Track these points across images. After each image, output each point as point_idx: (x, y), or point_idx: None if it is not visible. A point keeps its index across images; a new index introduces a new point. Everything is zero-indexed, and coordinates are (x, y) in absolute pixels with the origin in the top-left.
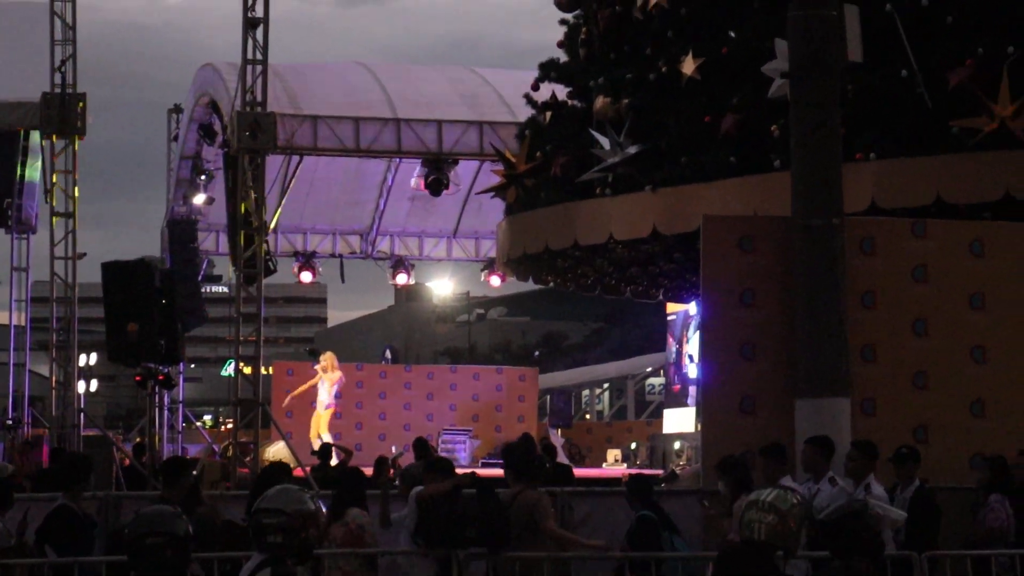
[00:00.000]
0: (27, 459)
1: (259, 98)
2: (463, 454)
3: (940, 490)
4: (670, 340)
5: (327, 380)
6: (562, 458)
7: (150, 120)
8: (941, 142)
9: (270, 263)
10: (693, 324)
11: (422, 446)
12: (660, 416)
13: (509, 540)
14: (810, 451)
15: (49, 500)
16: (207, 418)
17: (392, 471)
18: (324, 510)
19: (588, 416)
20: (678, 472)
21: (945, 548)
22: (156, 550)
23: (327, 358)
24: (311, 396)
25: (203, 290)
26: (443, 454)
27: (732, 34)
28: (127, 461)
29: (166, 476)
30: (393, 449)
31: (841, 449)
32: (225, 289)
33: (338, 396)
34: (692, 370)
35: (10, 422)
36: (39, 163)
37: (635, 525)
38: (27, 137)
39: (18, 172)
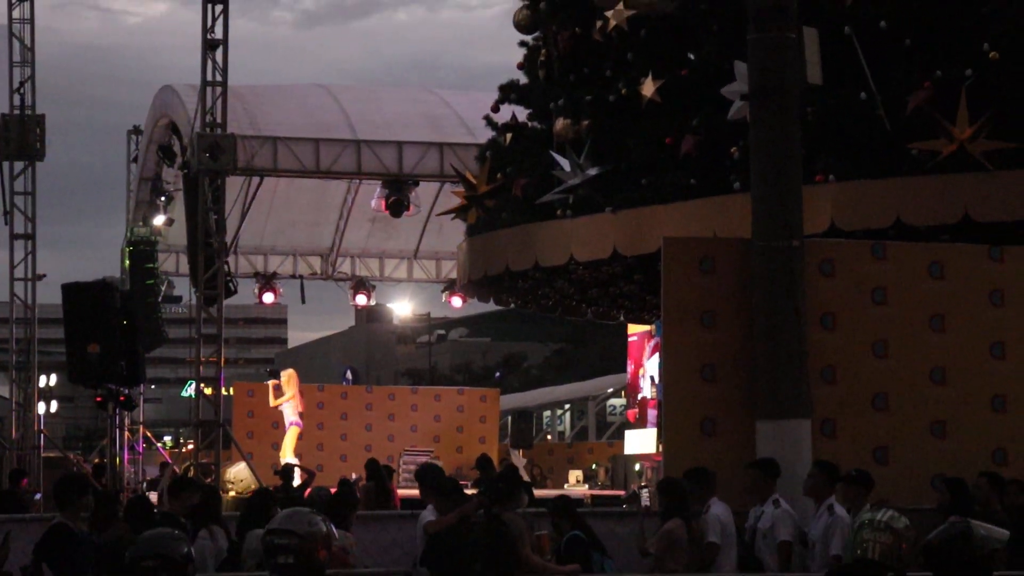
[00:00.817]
0: None
1: (219, 119)
2: None
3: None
4: (631, 361)
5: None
6: (524, 479)
7: (110, 142)
8: (900, 164)
9: (230, 284)
10: (648, 346)
11: (374, 468)
12: (621, 437)
13: (513, 571)
14: (753, 474)
15: (21, 521)
16: (167, 439)
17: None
18: (335, 532)
19: (549, 437)
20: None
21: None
22: (152, 573)
23: (286, 375)
24: (273, 417)
25: (163, 311)
26: (404, 475)
27: (691, 56)
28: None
29: (171, 493)
30: (353, 475)
31: (802, 470)
32: (185, 310)
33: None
34: (651, 392)
35: None
36: None
37: (564, 546)
38: None
39: None
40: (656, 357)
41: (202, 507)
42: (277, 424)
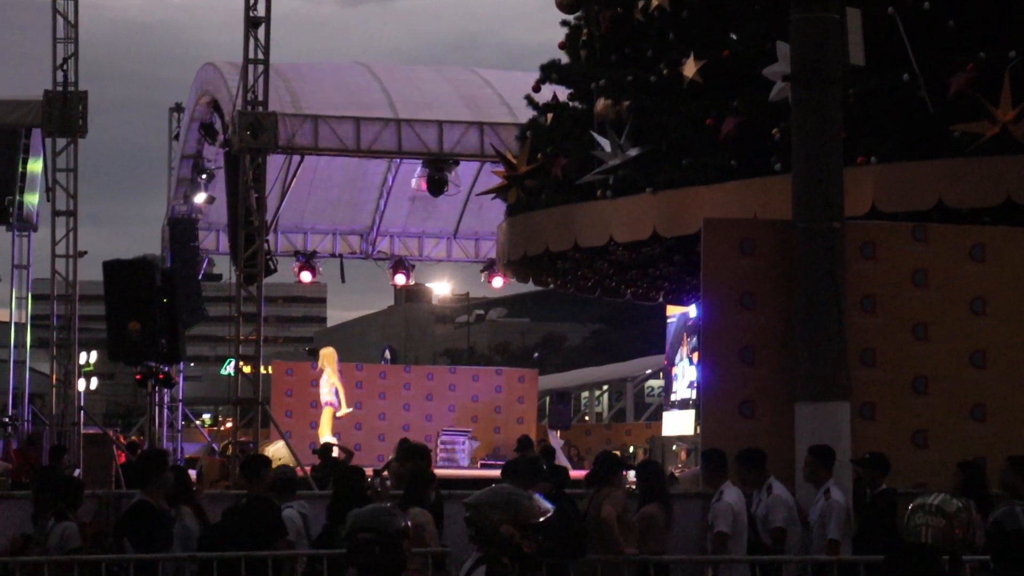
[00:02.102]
0: (27, 456)
1: (260, 97)
2: (462, 455)
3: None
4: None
5: (324, 378)
6: (561, 460)
7: (151, 119)
8: (942, 146)
9: (270, 262)
10: (686, 347)
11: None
12: (659, 419)
13: (584, 550)
14: (737, 467)
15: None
16: (206, 417)
17: (386, 473)
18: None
19: (587, 418)
20: (677, 475)
21: None
22: (366, 546)
23: (323, 354)
24: (311, 395)
25: (203, 289)
26: (442, 455)
27: (733, 36)
28: (123, 457)
29: (248, 472)
30: (390, 456)
31: (842, 454)
32: (225, 288)
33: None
34: (689, 374)
35: (6, 420)
36: (40, 160)
37: None
38: (29, 135)
39: (19, 169)
40: (686, 361)
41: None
42: (315, 403)
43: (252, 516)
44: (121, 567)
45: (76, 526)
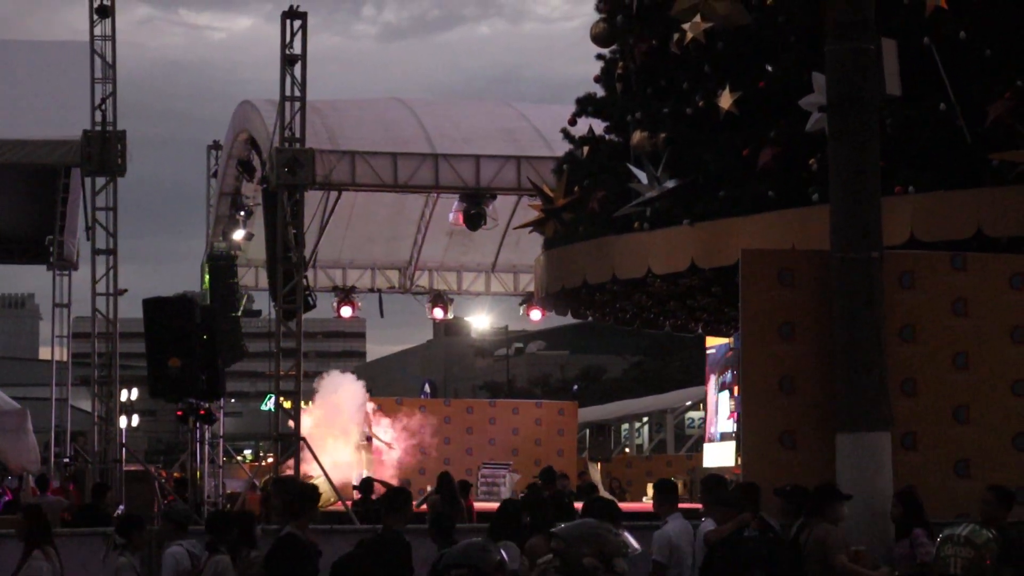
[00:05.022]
0: (69, 494)
1: (297, 134)
2: (503, 488)
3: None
4: (709, 374)
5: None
6: (602, 492)
7: (190, 157)
8: (981, 175)
9: (309, 298)
10: (713, 363)
11: (444, 481)
12: (700, 450)
13: None
14: (656, 497)
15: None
16: (247, 452)
17: (426, 507)
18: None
19: (628, 450)
20: None
21: None
22: None
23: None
24: None
25: (242, 325)
26: (483, 488)
27: (769, 68)
28: (171, 496)
29: (390, 506)
30: (429, 488)
31: (883, 483)
32: (264, 324)
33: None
34: (729, 405)
35: (66, 460)
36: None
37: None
38: (68, 174)
39: (59, 209)
40: (725, 392)
41: (34, 527)
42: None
43: (387, 549)
44: None
45: (229, 559)
